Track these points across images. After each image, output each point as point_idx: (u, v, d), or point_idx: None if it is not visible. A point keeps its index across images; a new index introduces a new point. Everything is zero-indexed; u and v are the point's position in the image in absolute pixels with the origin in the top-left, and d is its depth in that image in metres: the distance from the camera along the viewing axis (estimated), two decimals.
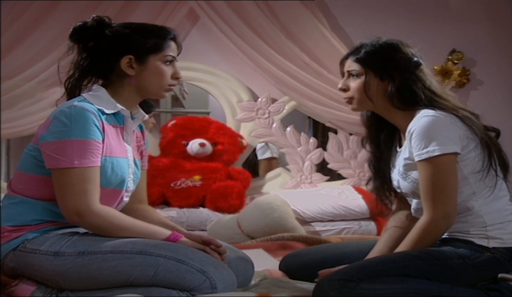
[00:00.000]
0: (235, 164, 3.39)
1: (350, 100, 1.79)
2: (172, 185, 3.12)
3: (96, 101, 1.64)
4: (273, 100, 3.47)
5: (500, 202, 1.68)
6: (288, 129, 3.47)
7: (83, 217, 1.54)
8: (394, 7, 3.44)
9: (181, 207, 3.10)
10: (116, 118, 1.69)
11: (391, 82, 1.71)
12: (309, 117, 3.75)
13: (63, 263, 1.53)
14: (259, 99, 3.46)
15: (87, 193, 1.54)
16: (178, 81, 1.76)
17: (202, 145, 3.22)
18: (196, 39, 3.42)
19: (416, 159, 1.63)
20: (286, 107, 3.46)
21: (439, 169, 1.59)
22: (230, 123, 3.45)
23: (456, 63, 3.41)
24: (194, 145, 3.22)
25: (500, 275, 1.57)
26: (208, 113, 3.91)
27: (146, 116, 1.81)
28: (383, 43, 1.75)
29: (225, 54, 3.46)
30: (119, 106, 1.67)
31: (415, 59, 1.72)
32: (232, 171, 3.26)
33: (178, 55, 1.75)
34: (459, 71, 3.40)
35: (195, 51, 3.38)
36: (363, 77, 1.74)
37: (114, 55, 1.67)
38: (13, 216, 1.61)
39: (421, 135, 1.60)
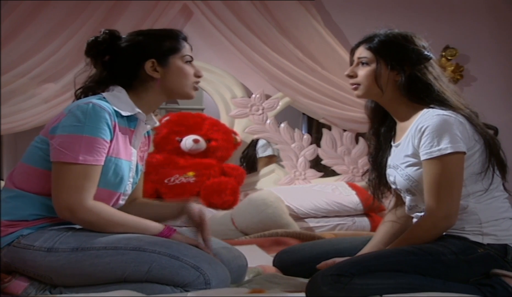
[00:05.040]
0: (229, 160, 3.39)
1: (356, 87, 1.79)
2: (166, 181, 3.12)
3: (115, 101, 1.65)
4: (267, 97, 3.47)
5: (495, 200, 1.68)
6: (282, 125, 3.47)
7: (74, 213, 1.54)
8: (388, 4, 3.45)
9: None
10: (128, 121, 1.69)
11: (401, 72, 1.71)
12: (303, 114, 3.75)
13: (56, 259, 1.53)
14: (253, 96, 3.46)
15: (82, 190, 1.53)
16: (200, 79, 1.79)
17: (196, 141, 3.21)
18: (189, 35, 3.38)
19: (426, 157, 1.62)
20: (280, 104, 3.46)
21: (448, 168, 1.60)
22: (224, 120, 3.45)
23: (450, 59, 3.42)
24: (188, 142, 3.22)
25: (493, 271, 1.58)
26: (202, 109, 3.91)
27: (157, 123, 1.83)
28: (396, 34, 1.76)
29: (219, 50, 3.45)
30: (137, 109, 1.68)
31: (426, 52, 1.73)
32: (226, 168, 3.26)
33: None
34: (452, 68, 3.42)
35: None
36: (373, 65, 1.74)
37: (135, 62, 1.69)
38: (10, 210, 1.60)
39: (434, 133, 1.60)
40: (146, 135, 1.86)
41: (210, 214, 2.99)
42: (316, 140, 3.55)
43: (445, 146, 1.59)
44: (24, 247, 1.56)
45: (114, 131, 1.61)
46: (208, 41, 3.42)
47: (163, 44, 1.71)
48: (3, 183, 3.21)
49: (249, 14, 3.29)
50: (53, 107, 3.24)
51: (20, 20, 3.22)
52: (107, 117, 1.57)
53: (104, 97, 1.64)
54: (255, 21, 3.29)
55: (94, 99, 1.60)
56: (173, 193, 3.11)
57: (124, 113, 1.65)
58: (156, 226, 1.65)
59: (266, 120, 3.45)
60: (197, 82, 1.77)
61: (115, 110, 1.62)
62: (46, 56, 3.22)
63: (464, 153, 1.61)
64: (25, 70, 3.22)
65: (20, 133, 3.35)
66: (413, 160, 1.69)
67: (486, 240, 1.62)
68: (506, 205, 1.70)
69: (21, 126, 3.27)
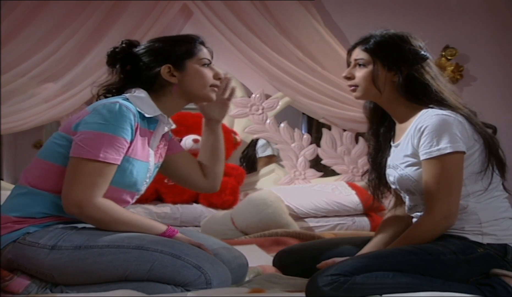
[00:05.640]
0: (229, 160, 3.39)
1: (354, 88, 1.79)
2: (165, 181, 3.11)
3: (138, 103, 1.67)
4: (267, 96, 3.48)
5: (495, 200, 1.68)
6: (282, 125, 3.47)
7: (82, 209, 1.54)
8: (388, 3, 3.45)
9: (174, 203, 3.09)
10: (148, 123, 1.71)
11: (398, 72, 1.71)
12: (303, 113, 3.75)
13: (59, 256, 1.54)
14: (253, 95, 3.46)
15: (95, 186, 1.55)
16: (220, 82, 1.82)
17: (195, 141, 3.21)
18: None
19: (425, 156, 1.62)
20: (280, 103, 3.46)
21: (447, 168, 1.60)
22: (224, 119, 3.43)
23: (450, 59, 3.42)
24: (187, 141, 3.21)
25: (492, 270, 1.58)
26: None
27: (174, 125, 1.84)
28: (392, 34, 1.76)
29: (218, 50, 3.40)
30: (159, 111, 1.71)
31: (423, 52, 1.73)
32: (226, 167, 3.24)
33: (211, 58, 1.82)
34: (452, 67, 3.42)
35: None
36: (370, 66, 1.74)
37: (152, 68, 1.72)
38: (19, 207, 1.61)
39: (433, 133, 1.60)
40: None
41: (210, 214, 3.00)
42: (316, 140, 3.55)
43: (445, 146, 1.59)
44: (28, 245, 1.57)
45: (136, 132, 1.63)
46: (208, 41, 3.35)
47: (179, 49, 1.74)
48: (3, 183, 3.23)
49: (249, 14, 3.29)
50: (53, 107, 3.25)
51: (20, 20, 3.22)
52: (132, 118, 1.59)
53: (127, 98, 1.66)
54: (255, 21, 3.30)
55: (120, 99, 1.62)
56: (173, 193, 3.11)
57: (147, 115, 1.67)
58: (159, 226, 1.66)
59: (266, 120, 3.45)
60: (217, 85, 1.80)
61: (138, 111, 1.64)
62: (46, 56, 3.22)
63: (463, 152, 1.61)
64: (25, 70, 3.22)
65: (20, 133, 3.35)
66: (412, 160, 1.69)
67: (486, 240, 1.62)
68: (506, 204, 1.70)
69: (21, 126, 3.27)
